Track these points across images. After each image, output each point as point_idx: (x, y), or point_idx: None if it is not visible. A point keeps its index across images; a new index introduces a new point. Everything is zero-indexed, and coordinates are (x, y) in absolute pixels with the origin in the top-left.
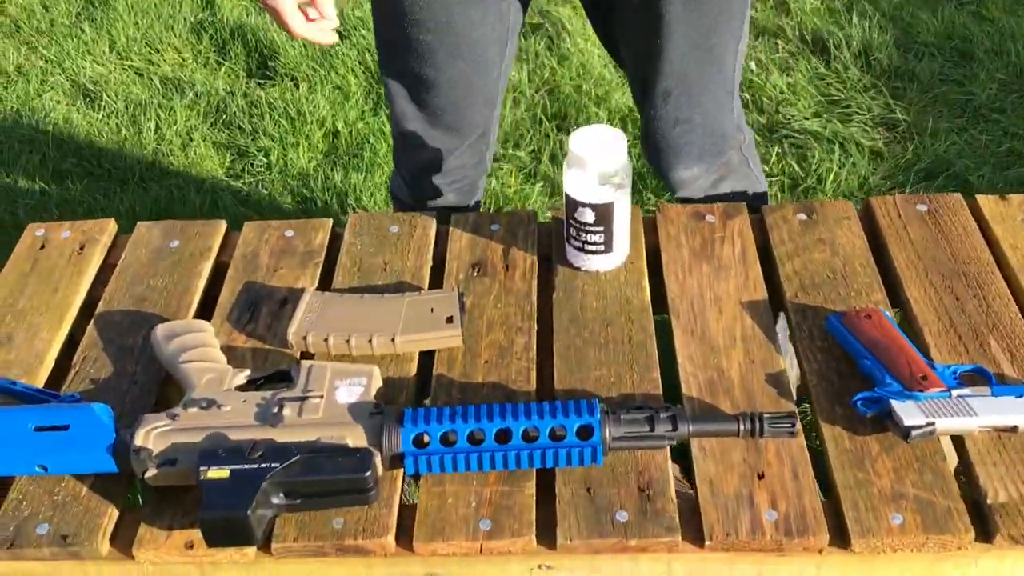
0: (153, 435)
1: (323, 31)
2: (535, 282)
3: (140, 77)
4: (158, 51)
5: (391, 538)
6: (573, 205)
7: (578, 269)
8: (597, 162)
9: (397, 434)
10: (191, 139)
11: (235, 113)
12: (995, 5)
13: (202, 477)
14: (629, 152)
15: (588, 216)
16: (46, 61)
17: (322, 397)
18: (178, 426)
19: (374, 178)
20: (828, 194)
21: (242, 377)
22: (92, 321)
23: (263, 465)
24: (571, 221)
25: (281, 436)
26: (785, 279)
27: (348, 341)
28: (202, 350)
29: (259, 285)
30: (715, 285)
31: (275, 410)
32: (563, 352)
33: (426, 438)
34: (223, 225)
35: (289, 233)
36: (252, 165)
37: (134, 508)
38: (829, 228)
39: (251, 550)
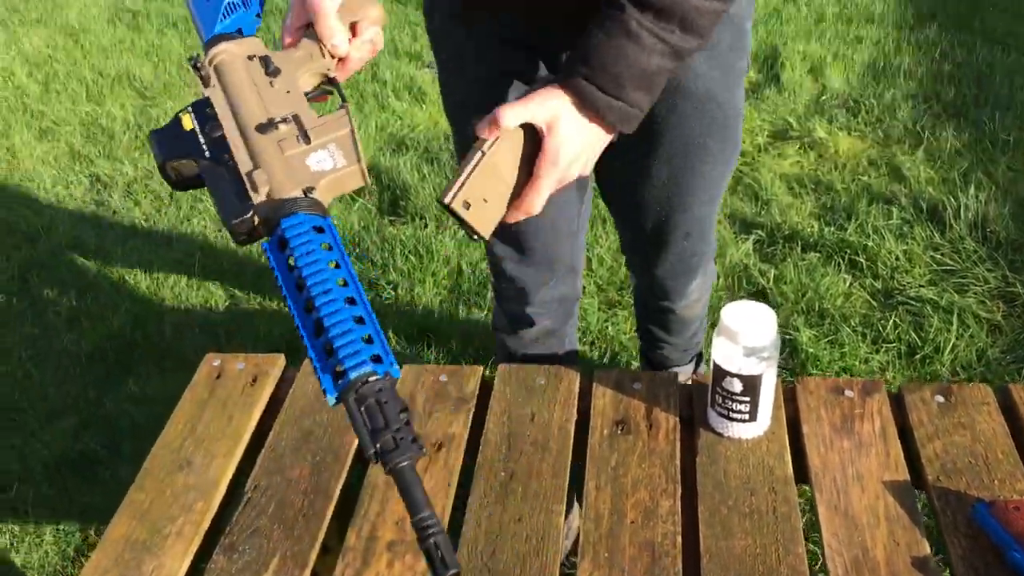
0: None
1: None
2: (678, 444)
3: None
4: None
5: None
6: (721, 374)
7: (720, 435)
8: (748, 336)
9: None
10: None
11: (368, 247)
12: None
13: None
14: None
15: (736, 386)
16: None
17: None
18: None
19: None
20: (946, 364)
21: None
22: (263, 451)
23: None
24: (717, 389)
25: None
26: (926, 461)
27: None
28: None
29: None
30: (857, 461)
31: None
32: (708, 518)
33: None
34: None
35: (443, 378)
36: (381, 297)
37: None
38: (968, 412)
39: None
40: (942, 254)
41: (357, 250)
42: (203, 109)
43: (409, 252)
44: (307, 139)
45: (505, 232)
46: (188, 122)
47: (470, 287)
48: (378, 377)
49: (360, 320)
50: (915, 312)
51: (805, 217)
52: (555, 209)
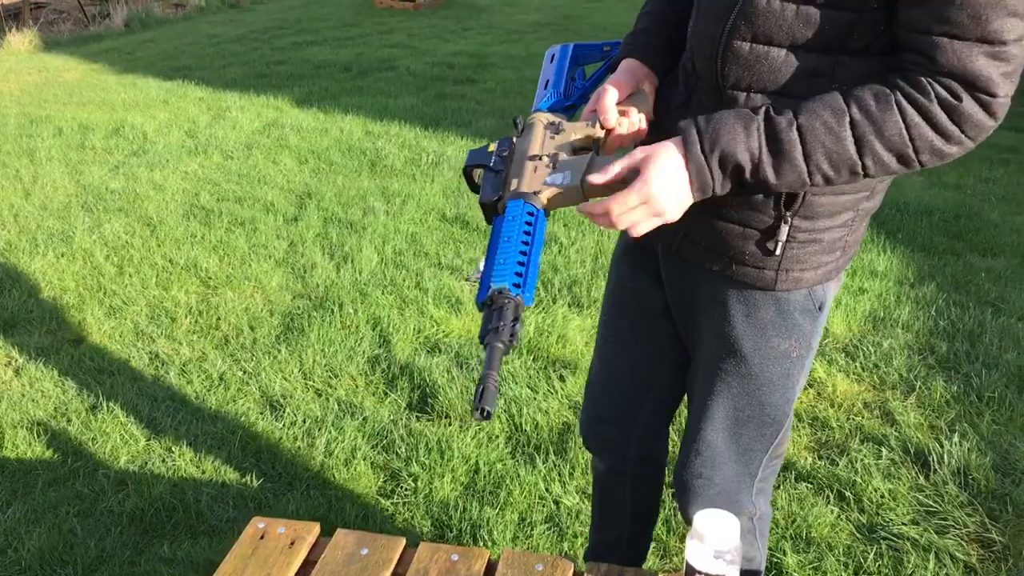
0: None
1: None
2: None
3: (319, 396)
4: (337, 376)
5: None
6: (691, 571)
7: None
8: (716, 539)
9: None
10: (354, 456)
11: (395, 440)
12: None
13: None
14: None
15: None
16: (244, 372)
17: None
18: None
19: (504, 516)
20: None
21: None
22: None
23: None
24: None
25: None
26: None
27: None
28: None
29: None
30: None
31: None
32: None
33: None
34: (403, 541)
35: (455, 557)
36: (402, 487)
37: None
38: None
39: None
40: (925, 495)
41: (384, 441)
42: (505, 144)
43: (432, 447)
44: (555, 168)
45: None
46: (492, 147)
47: (485, 485)
48: (510, 294)
49: (521, 263)
50: (896, 548)
51: (800, 450)
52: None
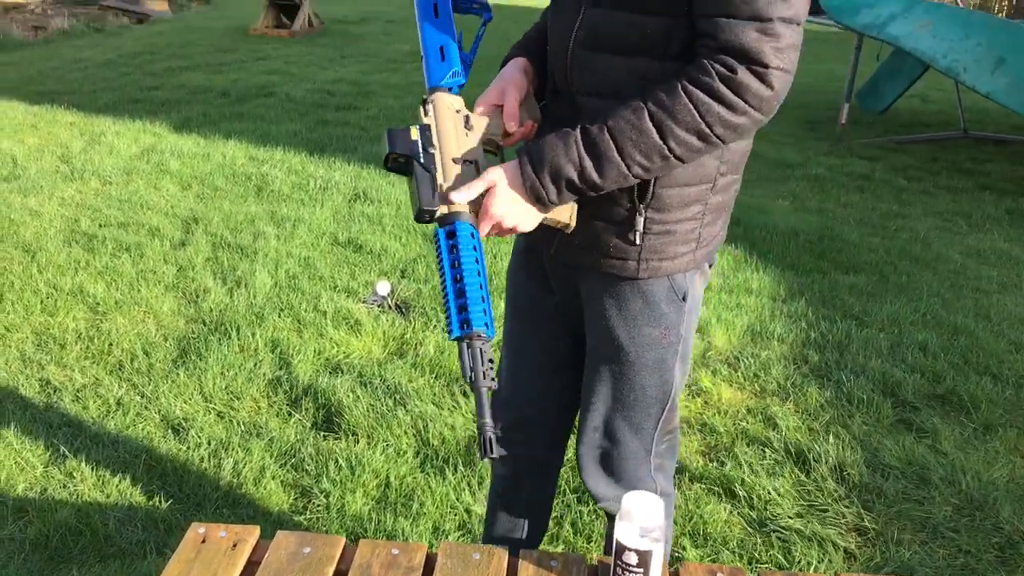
0: None
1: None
2: None
3: (222, 419)
4: (239, 399)
5: None
6: (621, 549)
7: None
8: (642, 517)
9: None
10: (263, 475)
11: (303, 459)
12: (948, 441)
13: None
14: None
15: (632, 559)
16: (142, 397)
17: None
18: None
19: (419, 525)
20: None
21: None
22: None
23: None
24: (618, 562)
25: None
26: None
27: None
28: None
29: None
30: None
31: None
32: None
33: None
34: (343, 539)
35: (395, 551)
36: (314, 503)
37: None
38: None
39: None
40: (807, 491)
41: (293, 460)
42: (425, 131)
43: (342, 464)
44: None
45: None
46: (415, 134)
47: (397, 498)
48: (484, 335)
49: (483, 299)
50: (784, 539)
51: (692, 453)
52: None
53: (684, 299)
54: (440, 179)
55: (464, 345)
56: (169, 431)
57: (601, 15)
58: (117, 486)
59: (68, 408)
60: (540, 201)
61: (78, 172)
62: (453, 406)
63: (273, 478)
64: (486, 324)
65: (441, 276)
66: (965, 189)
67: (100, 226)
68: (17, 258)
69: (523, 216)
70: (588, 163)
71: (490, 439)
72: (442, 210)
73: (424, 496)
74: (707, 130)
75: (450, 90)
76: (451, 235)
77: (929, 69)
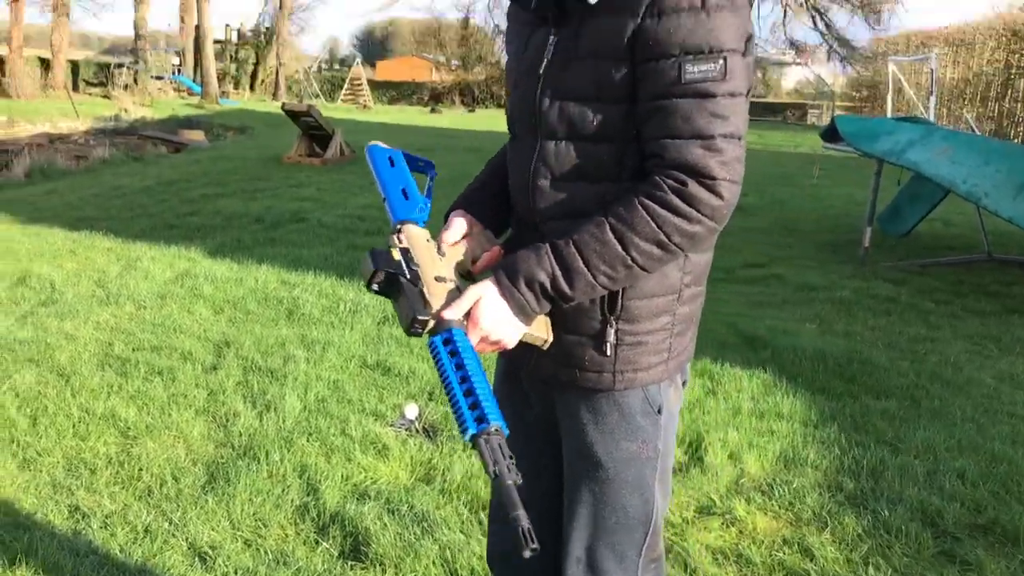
0: None
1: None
2: None
3: (248, 547)
4: (266, 526)
5: None
6: None
7: None
8: None
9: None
10: None
11: None
12: (994, 575)
13: None
14: None
15: None
16: (170, 523)
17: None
18: None
19: None
20: None
21: None
22: None
23: None
24: None
25: None
26: None
27: None
28: None
29: None
30: None
31: None
32: None
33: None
34: None
35: None
36: None
37: None
38: None
39: None
40: None
41: None
42: (405, 252)
43: None
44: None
45: None
46: (396, 255)
47: None
48: (500, 428)
49: (490, 392)
50: None
51: None
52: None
53: (659, 412)
54: (427, 294)
55: (483, 441)
56: (196, 559)
57: (556, 147)
58: None
59: (96, 535)
60: (523, 311)
61: (114, 296)
62: (481, 535)
63: None
64: (501, 419)
65: (445, 382)
66: (993, 312)
67: (133, 350)
68: (52, 382)
69: (508, 329)
70: (559, 273)
71: (527, 530)
72: (432, 321)
73: None
74: (666, 240)
75: (416, 224)
76: (447, 342)
77: (949, 193)
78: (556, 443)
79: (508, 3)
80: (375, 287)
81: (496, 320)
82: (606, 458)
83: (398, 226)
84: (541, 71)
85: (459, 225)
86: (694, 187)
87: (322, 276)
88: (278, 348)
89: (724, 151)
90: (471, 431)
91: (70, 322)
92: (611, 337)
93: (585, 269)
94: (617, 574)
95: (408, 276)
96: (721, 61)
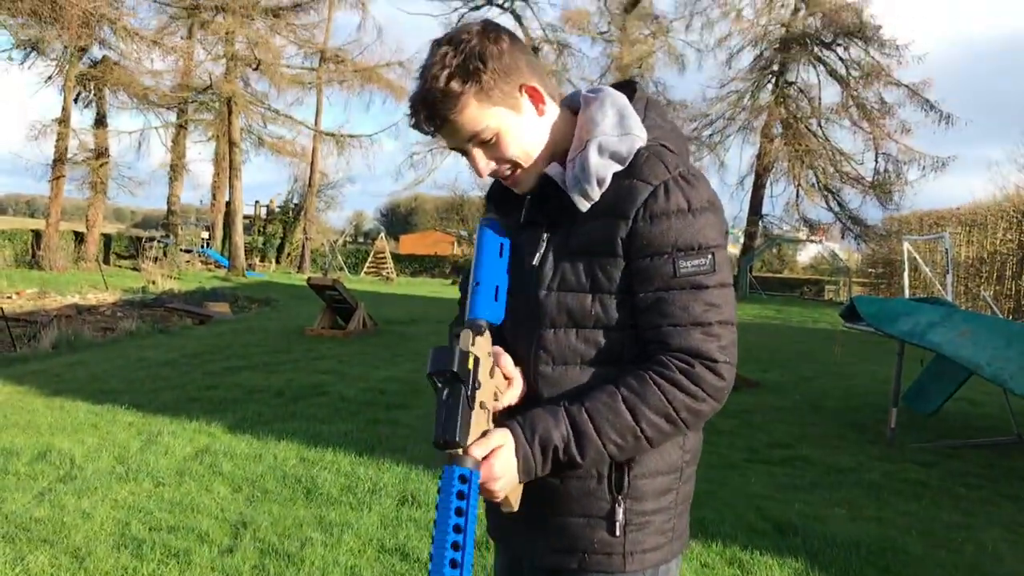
0: None
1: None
2: None
3: None
4: None
5: None
6: None
7: None
8: None
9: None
10: None
11: None
12: None
13: None
14: None
15: None
16: None
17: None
18: None
19: None
20: None
21: None
22: None
23: None
24: None
25: None
26: None
27: None
28: None
29: None
30: None
31: None
32: None
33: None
34: None
35: None
36: None
37: None
38: None
39: None
40: None
41: None
42: (476, 363)
43: None
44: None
45: None
46: (470, 363)
47: None
48: None
49: (471, 562)
50: None
51: None
52: None
53: None
54: (472, 425)
55: None
56: None
57: (555, 335)
58: None
59: None
60: (527, 472)
61: (133, 473)
62: None
63: None
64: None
65: (440, 520)
66: None
67: (150, 530)
68: (65, 565)
69: (506, 484)
70: (572, 439)
71: None
72: (461, 450)
73: None
74: (675, 415)
75: (492, 324)
76: (464, 479)
77: (973, 374)
78: None
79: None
80: (438, 381)
81: (503, 472)
82: None
83: (472, 332)
84: (536, 263)
85: (510, 358)
86: (700, 369)
87: (341, 453)
88: (295, 530)
89: (721, 336)
90: None
91: (87, 500)
92: (620, 516)
93: (596, 437)
94: None
95: (470, 392)
96: (710, 256)
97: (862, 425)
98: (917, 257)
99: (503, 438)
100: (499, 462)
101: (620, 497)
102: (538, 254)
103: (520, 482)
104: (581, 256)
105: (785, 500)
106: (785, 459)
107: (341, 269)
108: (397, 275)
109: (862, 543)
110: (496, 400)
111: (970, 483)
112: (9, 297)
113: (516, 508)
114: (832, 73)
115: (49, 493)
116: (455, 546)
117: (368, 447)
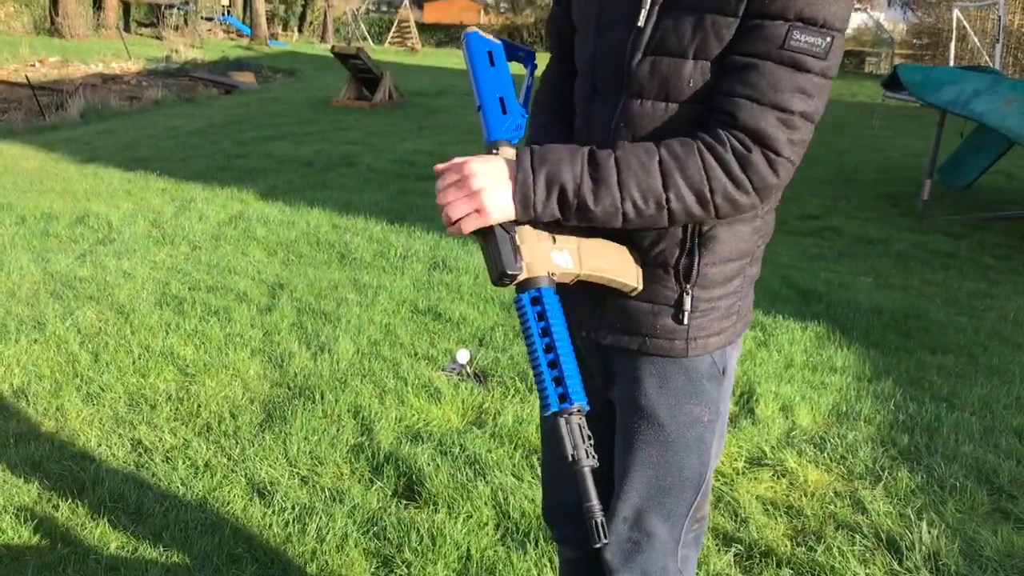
0: None
1: None
2: None
3: (305, 484)
4: (322, 464)
5: None
6: None
7: None
8: None
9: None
10: (346, 543)
11: (385, 527)
12: None
13: None
14: None
15: None
16: (229, 459)
17: None
18: None
19: None
20: None
21: None
22: None
23: None
24: None
25: None
26: None
27: None
28: None
29: None
30: None
31: None
32: None
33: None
34: None
35: None
36: (395, 574)
37: None
38: None
39: None
40: None
41: (375, 528)
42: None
43: (424, 533)
44: (555, 242)
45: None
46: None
47: (478, 571)
48: (582, 407)
49: (575, 367)
50: None
51: (779, 536)
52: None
53: (724, 373)
54: (518, 241)
55: (563, 421)
56: (255, 494)
57: (642, 107)
58: (204, 548)
59: (158, 469)
60: (524, 202)
61: (169, 237)
62: (532, 478)
63: (356, 546)
64: (584, 398)
65: (530, 348)
66: None
67: (190, 289)
68: (111, 319)
69: (494, 195)
70: (587, 182)
71: (600, 523)
72: (523, 275)
73: (506, 571)
74: (708, 196)
75: (511, 144)
76: (535, 301)
77: (1014, 146)
78: (607, 414)
79: None
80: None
81: (485, 174)
82: (669, 421)
83: (493, 150)
84: (640, 22)
85: None
86: (757, 156)
87: (373, 221)
88: (331, 291)
89: (798, 129)
90: (552, 408)
91: (127, 261)
92: (687, 305)
93: (617, 189)
94: (663, 533)
95: (504, 226)
96: (829, 39)
97: (894, 198)
98: (967, 25)
99: (505, 155)
100: (479, 161)
101: (688, 286)
102: (644, 11)
103: (517, 215)
104: (689, 13)
105: (811, 270)
106: (814, 230)
107: (364, 38)
108: (422, 45)
109: (885, 309)
110: None
111: (998, 254)
112: (32, 65)
113: (639, 287)
114: None
115: (90, 255)
116: (552, 364)
117: (399, 216)
